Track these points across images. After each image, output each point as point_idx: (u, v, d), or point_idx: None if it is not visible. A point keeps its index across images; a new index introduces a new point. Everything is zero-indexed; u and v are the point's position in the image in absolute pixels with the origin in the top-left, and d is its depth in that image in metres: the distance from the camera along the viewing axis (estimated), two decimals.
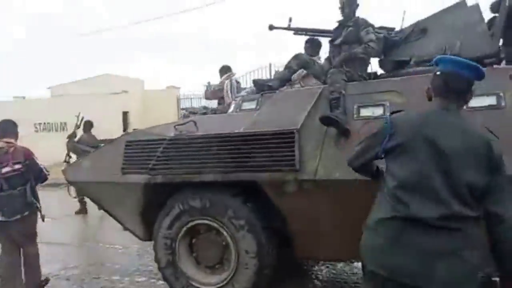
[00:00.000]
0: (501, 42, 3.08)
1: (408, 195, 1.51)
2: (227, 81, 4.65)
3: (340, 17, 3.49)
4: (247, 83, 7.52)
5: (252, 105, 3.35)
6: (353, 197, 2.66)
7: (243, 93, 4.01)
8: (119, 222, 3.50)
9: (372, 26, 3.29)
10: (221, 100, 4.82)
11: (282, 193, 2.86)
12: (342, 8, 3.40)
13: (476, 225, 1.49)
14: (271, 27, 4.12)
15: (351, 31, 3.31)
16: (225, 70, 5.06)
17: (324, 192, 2.74)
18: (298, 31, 4.09)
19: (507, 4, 2.92)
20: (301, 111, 2.93)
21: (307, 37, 4.12)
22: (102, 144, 4.25)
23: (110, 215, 3.50)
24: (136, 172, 3.17)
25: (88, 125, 7.25)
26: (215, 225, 3.02)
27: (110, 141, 3.62)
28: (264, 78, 3.83)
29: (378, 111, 2.75)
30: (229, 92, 4.48)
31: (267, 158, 2.82)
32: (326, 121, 2.67)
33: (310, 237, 2.93)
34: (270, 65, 10.29)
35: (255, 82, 3.46)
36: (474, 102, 2.48)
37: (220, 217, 2.99)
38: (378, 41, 3.22)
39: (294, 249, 3.02)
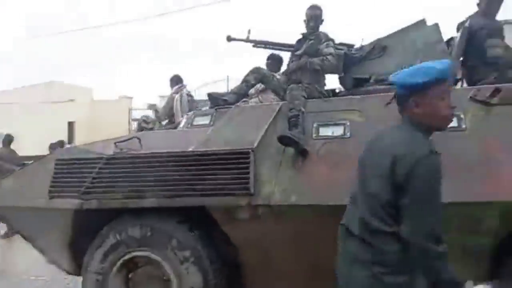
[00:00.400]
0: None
1: (349, 208, 1.69)
2: (177, 96, 4.32)
3: (304, 30, 3.38)
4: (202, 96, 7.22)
5: (205, 120, 3.06)
6: (312, 224, 2.43)
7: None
8: (42, 253, 3.00)
9: (332, 40, 3.17)
10: (172, 118, 4.46)
11: (234, 219, 2.56)
12: (308, 21, 3.31)
13: (394, 241, 1.43)
14: (229, 39, 3.89)
15: (312, 44, 3.21)
16: (175, 80, 4.72)
17: (280, 219, 2.48)
18: (257, 43, 3.89)
19: (467, 25, 2.89)
20: (257, 129, 2.67)
21: (267, 50, 3.91)
22: (30, 162, 3.71)
23: (33, 245, 2.99)
24: (66, 196, 2.73)
25: (7, 140, 6.45)
26: (156, 257, 2.64)
27: (38, 158, 3.14)
28: (221, 91, 3.51)
29: (338, 131, 2.57)
30: (179, 109, 4.14)
31: (219, 180, 2.52)
32: (284, 140, 2.44)
33: (264, 270, 2.64)
34: (227, 77, 10.08)
35: (210, 95, 3.18)
36: None
37: (162, 247, 2.62)
38: (337, 57, 3.12)
39: (246, 284, 2.71)
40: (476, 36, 2.84)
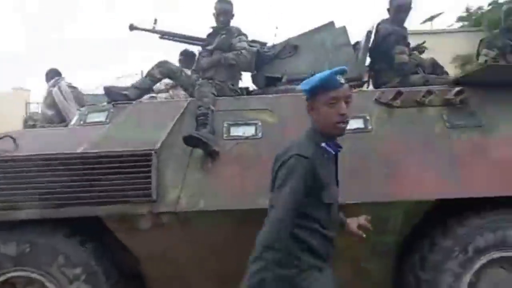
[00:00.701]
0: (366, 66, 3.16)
1: None
2: (54, 89, 3.79)
3: (215, 24, 3.19)
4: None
5: (100, 117, 2.69)
6: (222, 231, 2.26)
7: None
8: None
9: (245, 36, 3.04)
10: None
11: (134, 230, 2.27)
12: (217, 16, 3.12)
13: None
14: (132, 27, 3.52)
15: (224, 38, 3.04)
16: (51, 75, 4.14)
17: (187, 227, 2.26)
18: (164, 35, 3.59)
19: (371, 29, 2.98)
20: (161, 128, 2.40)
21: (175, 42, 3.63)
22: None
23: None
24: None
25: None
26: (39, 277, 2.22)
27: None
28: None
29: (250, 131, 2.43)
30: (63, 102, 3.63)
31: (115, 186, 2.20)
32: (191, 141, 2.22)
33: (170, 282, 2.40)
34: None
35: (107, 89, 2.80)
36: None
37: (47, 266, 2.21)
38: (251, 53, 2.99)
39: None
40: (385, 41, 2.95)
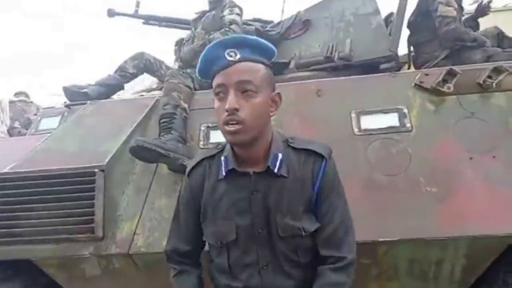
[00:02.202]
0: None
1: None
2: None
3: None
4: None
5: (53, 123, 2.13)
6: None
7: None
8: None
9: (239, 7, 2.34)
10: None
11: (79, 277, 1.67)
12: None
13: None
14: (111, 13, 2.94)
15: (213, 16, 2.36)
16: None
17: (146, 274, 1.62)
18: (148, 20, 2.99)
19: None
20: (116, 136, 1.78)
21: (162, 28, 3.01)
22: None
23: None
24: None
25: None
26: None
27: None
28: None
29: None
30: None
31: (50, 219, 1.60)
32: (140, 153, 1.56)
33: None
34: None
35: (66, 89, 2.21)
36: (368, 122, 1.65)
37: None
38: (242, 28, 2.30)
39: None
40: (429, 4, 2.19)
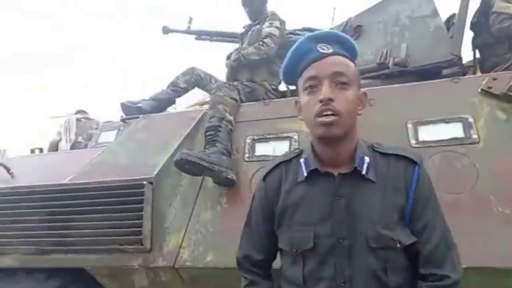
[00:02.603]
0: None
1: None
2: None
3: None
4: None
5: (111, 136, 2.23)
6: None
7: None
8: None
9: (281, 20, 2.30)
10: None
11: (127, 287, 1.70)
12: (244, 8, 2.44)
13: None
14: (166, 30, 3.07)
15: (257, 30, 2.34)
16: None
17: (192, 287, 1.61)
18: (201, 35, 3.08)
19: None
20: (165, 149, 1.81)
21: (213, 42, 3.07)
22: None
23: None
24: None
25: None
26: None
27: None
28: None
29: (282, 147, 1.69)
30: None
31: (100, 229, 1.66)
32: (184, 166, 1.56)
33: None
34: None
35: (123, 104, 2.31)
36: (427, 134, 1.52)
37: None
38: (279, 39, 2.23)
39: None
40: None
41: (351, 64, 0.88)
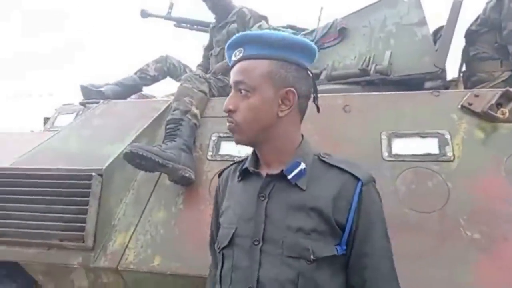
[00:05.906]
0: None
1: None
2: None
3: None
4: None
5: (68, 120, 2.06)
6: None
7: None
8: None
9: (265, 18, 2.18)
10: None
11: (65, 287, 1.55)
12: (206, 3, 2.32)
13: None
14: (144, 14, 2.91)
15: (237, 30, 2.22)
16: None
17: None
18: (180, 22, 2.93)
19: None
20: (122, 139, 1.66)
21: (192, 31, 2.93)
22: None
23: None
24: None
25: None
26: None
27: None
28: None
29: (248, 147, 1.56)
30: None
31: (42, 221, 1.50)
32: (136, 161, 1.41)
33: None
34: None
35: (83, 88, 2.14)
36: (401, 147, 1.43)
37: None
38: None
39: None
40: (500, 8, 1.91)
41: (262, 64, 0.81)
